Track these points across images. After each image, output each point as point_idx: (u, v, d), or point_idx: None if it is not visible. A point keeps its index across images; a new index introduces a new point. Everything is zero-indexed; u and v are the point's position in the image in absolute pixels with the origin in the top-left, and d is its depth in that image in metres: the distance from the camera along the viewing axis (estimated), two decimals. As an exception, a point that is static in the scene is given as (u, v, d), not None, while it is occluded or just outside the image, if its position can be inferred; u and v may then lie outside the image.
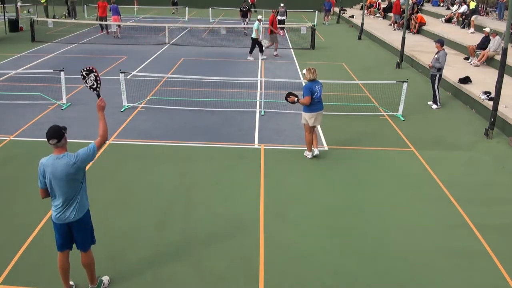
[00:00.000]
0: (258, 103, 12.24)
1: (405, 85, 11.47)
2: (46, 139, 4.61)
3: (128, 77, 13.27)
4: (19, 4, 27.90)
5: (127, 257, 5.82)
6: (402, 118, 11.43)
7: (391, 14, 27.90)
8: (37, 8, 30.49)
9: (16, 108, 11.47)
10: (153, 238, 6.26)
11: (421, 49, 19.31)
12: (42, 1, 30.13)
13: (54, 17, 29.67)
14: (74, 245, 5.01)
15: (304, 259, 5.89)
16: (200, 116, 11.31)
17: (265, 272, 5.62)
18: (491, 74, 13.90)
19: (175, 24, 28.57)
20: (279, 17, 24.10)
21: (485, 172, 8.71)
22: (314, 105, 8.68)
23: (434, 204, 7.43)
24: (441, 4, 31.80)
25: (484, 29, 16.93)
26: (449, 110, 12.45)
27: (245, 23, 26.22)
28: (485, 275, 5.71)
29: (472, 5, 22.95)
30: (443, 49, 12.26)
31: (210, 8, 34.02)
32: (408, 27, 22.22)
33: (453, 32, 21.44)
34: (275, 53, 19.38)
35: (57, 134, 4.58)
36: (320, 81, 8.85)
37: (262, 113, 11.48)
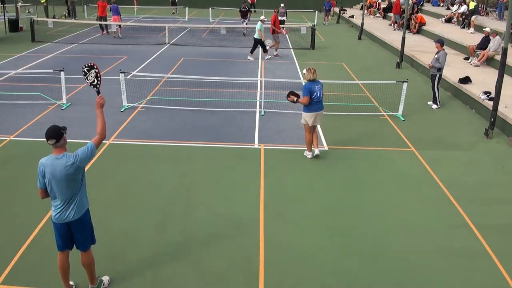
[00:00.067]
0: (258, 103, 12.24)
1: (405, 85, 11.47)
2: (45, 139, 4.61)
3: (128, 77, 13.27)
4: (19, 4, 27.91)
5: (127, 257, 5.82)
6: (402, 118, 11.43)
7: (391, 14, 27.90)
8: (37, 8, 30.50)
9: (16, 108, 11.47)
10: (153, 238, 6.26)
11: (421, 49, 19.31)
12: (42, 1, 30.13)
13: (54, 17, 29.67)
14: (74, 245, 5.02)
15: (304, 259, 5.89)
16: (200, 116, 11.31)
17: (265, 272, 5.62)
18: (491, 74, 13.90)
19: (175, 24, 28.57)
20: (279, 18, 24.08)
21: (485, 172, 8.71)
22: (313, 105, 8.68)
23: (434, 204, 7.43)
24: (441, 4, 31.80)
25: (484, 29, 16.93)
26: (449, 110, 12.45)
27: (245, 23, 26.20)
28: (485, 275, 5.71)
29: (472, 5, 22.95)
30: (443, 49, 12.26)
31: (210, 8, 34.02)
32: (408, 27, 22.22)
33: (453, 32, 21.44)
34: (275, 53, 19.38)
35: (56, 134, 4.58)
36: (320, 81, 8.85)
37: (262, 113, 11.48)
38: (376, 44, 23.71)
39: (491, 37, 15.99)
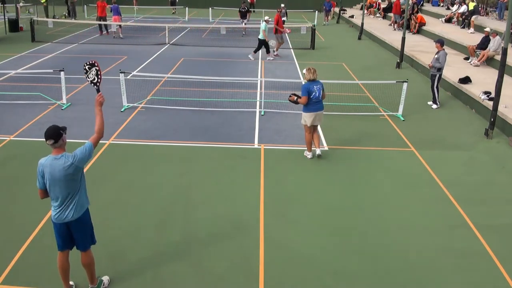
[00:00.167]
0: (258, 103, 12.24)
1: (405, 85, 11.47)
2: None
3: (128, 77, 13.27)
4: (20, 4, 27.90)
5: (127, 257, 5.82)
6: (402, 118, 11.43)
7: (391, 14, 27.90)
8: (37, 8, 30.49)
9: (16, 108, 11.47)
10: (153, 238, 6.26)
11: (421, 49, 19.31)
12: (42, 1, 30.13)
13: (54, 17, 29.67)
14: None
15: (304, 259, 5.89)
16: (200, 116, 11.31)
17: (265, 272, 5.62)
18: (491, 74, 13.90)
19: (175, 24, 28.57)
20: (279, 18, 24.07)
21: (485, 172, 8.71)
22: (312, 105, 8.68)
23: (434, 204, 7.43)
24: (441, 4, 31.80)
25: (485, 29, 16.93)
26: (449, 110, 12.45)
27: (244, 23, 26.19)
28: (485, 275, 5.71)
29: (471, 5, 22.95)
30: (443, 49, 12.26)
31: (210, 8, 34.02)
32: (408, 27, 22.22)
33: (453, 32, 21.44)
34: (275, 52, 19.38)
35: (54, 135, 4.58)
36: (321, 81, 8.84)
37: (262, 113, 11.48)
38: (376, 44, 23.70)
39: (491, 37, 16.00)
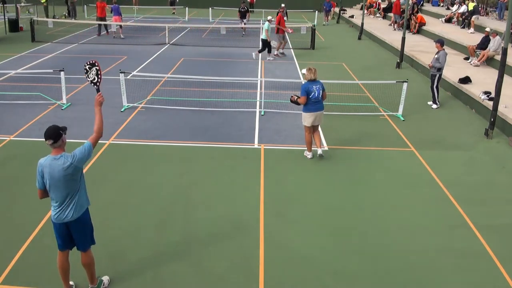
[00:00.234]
0: (258, 103, 12.24)
1: (405, 85, 11.47)
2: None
3: (128, 77, 13.27)
4: (21, 4, 27.89)
5: (127, 257, 5.82)
6: (402, 118, 11.43)
7: (391, 14, 27.90)
8: (37, 8, 30.49)
9: (16, 108, 11.47)
10: (153, 238, 6.26)
11: (421, 49, 19.31)
12: (42, 1, 30.13)
13: (54, 17, 29.67)
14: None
15: (304, 259, 5.89)
16: (200, 116, 11.31)
17: (265, 272, 5.62)
18: (491, 74, 13.90)
19: (175, 24, 28.57)
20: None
21: (485, 172, 8.71)
22: (311, 105, 8.67)
23: (434, 204, 7.43)
24: (441, 4, 31.80)
25: (485, 29, 16.93)
26: (449, 110, 12.45)
27: (243, 23, 26.18)
28: (485, 275, 5.71)
29: (471, 6, 22.95)
30: (443, 49, 12.26)
31: (210, 8, 34.01)
32: (408, 27, 22.22)
33: (453, 32, 21.44)
34: (275, 52, 19.37)
35: (54, 135, 4.58)
36: (321, 81, 8.84)
37: (262, 113, 11.48)
38: (376, 44, 23.70)
39: (491, 37, 16.00)
